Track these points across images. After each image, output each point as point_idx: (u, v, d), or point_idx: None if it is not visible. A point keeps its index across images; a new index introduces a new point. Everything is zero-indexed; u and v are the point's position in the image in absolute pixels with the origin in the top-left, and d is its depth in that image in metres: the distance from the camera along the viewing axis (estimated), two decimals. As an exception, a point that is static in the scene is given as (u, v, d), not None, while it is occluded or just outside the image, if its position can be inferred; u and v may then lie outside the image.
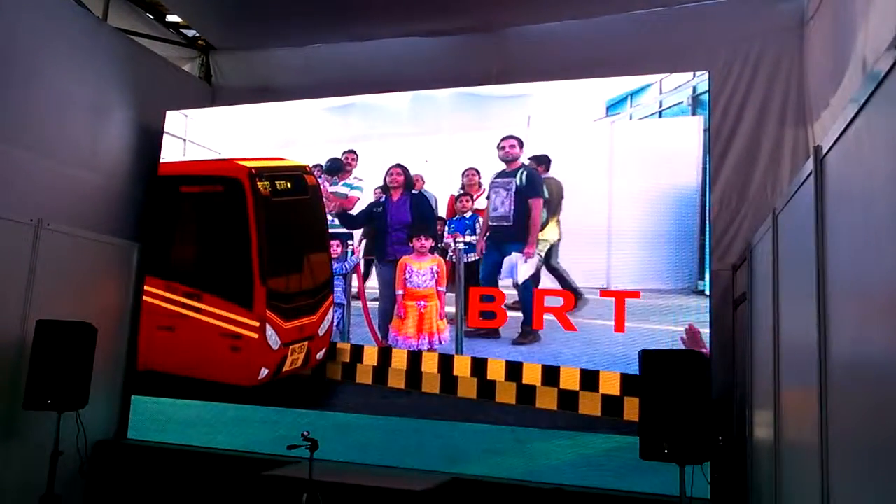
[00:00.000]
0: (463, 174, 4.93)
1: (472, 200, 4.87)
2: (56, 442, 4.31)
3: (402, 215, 5.06)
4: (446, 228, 4.92)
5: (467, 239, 4.83)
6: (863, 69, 3.21)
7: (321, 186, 5.30)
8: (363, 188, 5.22)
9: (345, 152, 5.30)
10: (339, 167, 5.28)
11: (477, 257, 4.82)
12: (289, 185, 5.22)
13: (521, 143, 4.82)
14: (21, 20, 4.59)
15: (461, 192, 4.93)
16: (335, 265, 5.14)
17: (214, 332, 5.13)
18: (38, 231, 4.63)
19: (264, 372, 5.01)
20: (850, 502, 1.98)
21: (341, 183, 5.27)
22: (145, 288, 5.45)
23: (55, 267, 4.74)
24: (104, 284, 5.34)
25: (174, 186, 5.56)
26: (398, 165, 5.12)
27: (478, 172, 4.90)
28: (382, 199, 5.14)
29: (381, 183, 5.15)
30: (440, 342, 4.82)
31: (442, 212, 4.97)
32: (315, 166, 5.35)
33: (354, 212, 5.21)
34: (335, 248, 5.16)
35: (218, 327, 5.12)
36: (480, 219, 4.85)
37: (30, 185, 4.65)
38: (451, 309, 4.83)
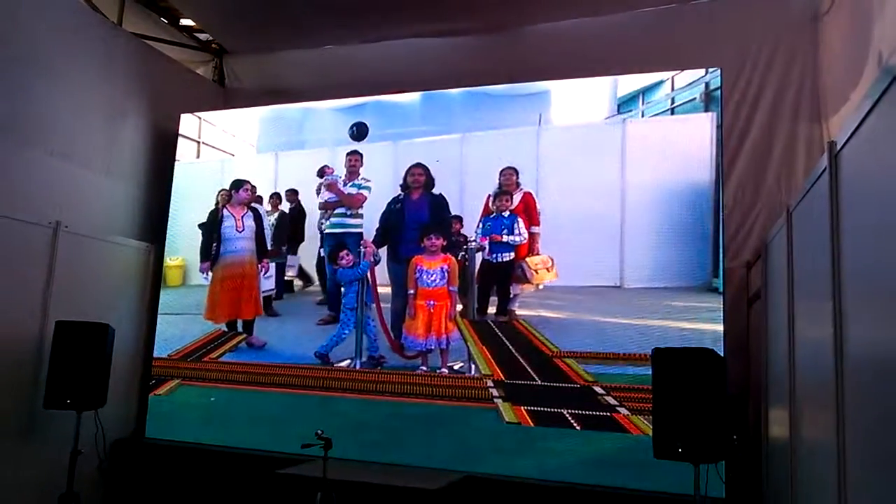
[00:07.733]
0: (501, 173, 4.85)
1: (511, 199, 4.81)
2: (75, 441, 4.35)
3: (421, 215, 5.03)
4: (480, 227, 4.88)
5: (504, 238, 4.79)
6: (878, 64, 3.18)
7: (335, 184, 5.32)
8: (371, 188, 5.23)
9: (348, 154, 5.32)
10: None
11: (511, 257, 4.78)
12: None
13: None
14: (38, 27, 4.65)
15: (498, 190, 4.84)
16: (349, 272, 5.14)
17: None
18: (56, 233, 4.68)
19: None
20: (867, 501, 1.96)
21: (349, 184, 5.28)
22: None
23: (73, 268, 4.79)
24: (121, 286, 5.40)
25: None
26: (419, 165, 5.07)
27: (516, 172, 4.82)
28: (401, 197, 5.14)
29: (401, 182, 5.11)
30: (448, 342, 4.82)
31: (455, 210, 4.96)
32: (323, 167, 5.38)
33: (364, 212, 5.21)
34: (347, 258, 5.14)
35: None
36: (520, 219, 4.77)
37: (48, 188, 4.71)
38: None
